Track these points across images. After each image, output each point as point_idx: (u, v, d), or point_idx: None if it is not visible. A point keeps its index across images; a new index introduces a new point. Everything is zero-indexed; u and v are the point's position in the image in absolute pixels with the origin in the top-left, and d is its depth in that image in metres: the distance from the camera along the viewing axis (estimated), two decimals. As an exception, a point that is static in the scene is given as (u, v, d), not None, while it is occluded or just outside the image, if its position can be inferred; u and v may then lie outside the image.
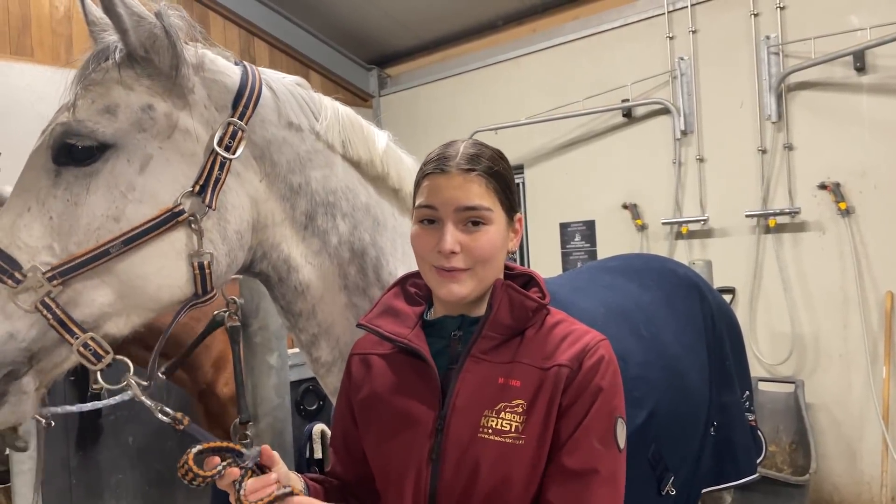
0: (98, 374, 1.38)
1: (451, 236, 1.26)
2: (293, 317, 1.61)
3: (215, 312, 2.12)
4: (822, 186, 4.55)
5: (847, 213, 4.45)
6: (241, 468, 1.21)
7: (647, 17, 5.42)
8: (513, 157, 6.29)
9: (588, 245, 5.81)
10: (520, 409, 1.22)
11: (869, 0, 4.35)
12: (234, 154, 1.43)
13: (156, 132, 1.38)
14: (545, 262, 5.95)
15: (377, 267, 1.60)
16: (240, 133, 1.44)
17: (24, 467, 3.39)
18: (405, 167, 1.69)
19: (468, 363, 1.27)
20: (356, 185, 1.61)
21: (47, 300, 1.29)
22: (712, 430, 2.06)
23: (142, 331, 1.45)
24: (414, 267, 1.42)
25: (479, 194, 1.28)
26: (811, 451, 4.44)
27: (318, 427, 2.39)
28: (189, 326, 2.48)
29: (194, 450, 1.21)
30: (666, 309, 2.06)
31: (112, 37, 1.42)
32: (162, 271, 1.37)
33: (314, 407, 2.72)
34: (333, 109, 1.63)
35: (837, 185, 4.48)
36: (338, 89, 7.27)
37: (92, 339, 1.33)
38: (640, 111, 5.49)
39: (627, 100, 5.47)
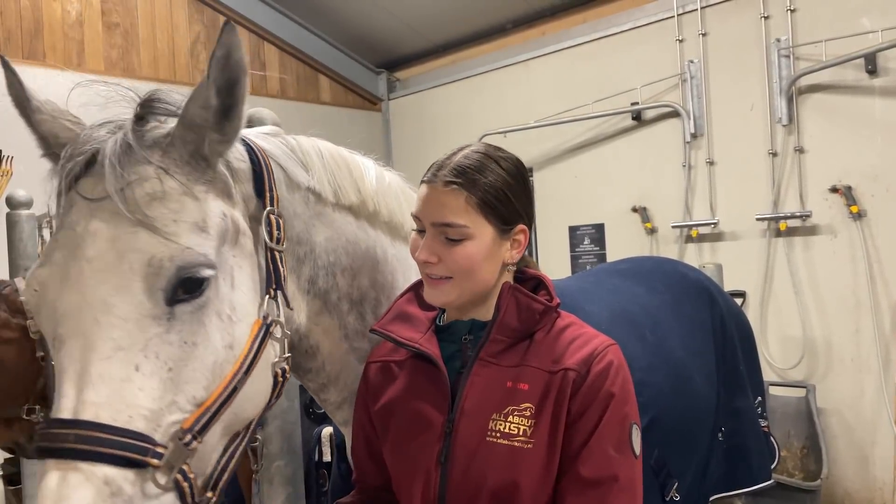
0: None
1: (426, 248, 1.29)
2: (303, 372, 1.56)
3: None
4: (834, 190, 4.52)
5: (859, 216, 4.42)
6: None
7: (656, 20, 5.41)
8: (522, 160, 6.26)
9: (597, 248, 5.80)
10: (528, 413, 1.22)
11: (880, 2, 4.33)
12: (283, 245, 1.32)
13: (230, 240, 1.21)
14: (554, 266, 5.94)
15: (376, 307, 1.56)
16: (281, 221, 1.33)
17: (35, 470, 3.41)
18: (392, 196, 1.62)
19: (476, 367, 1.28)
20: (354, 233, 1.54)
21: (185, 467, 1.07)
22: (720, 435, 2.04)
23: None
24: None
25: (455, 210, 1.27)
26: (823, 455, 4.40)
27: (328, 430, 2.39)
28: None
29: None
30: (673, 313, 2.05)
31: (100, 134, 1.20)
32: (259, 387, 1.23)
33: (323, 410, 2.71)
34: (317, 153, 1.50)
35: (849, 188, 4.45)
36: (347, 93, 7.29)
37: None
38: (649, 114, 5.48)
39: (637, 103, 5.46)
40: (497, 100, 6.44)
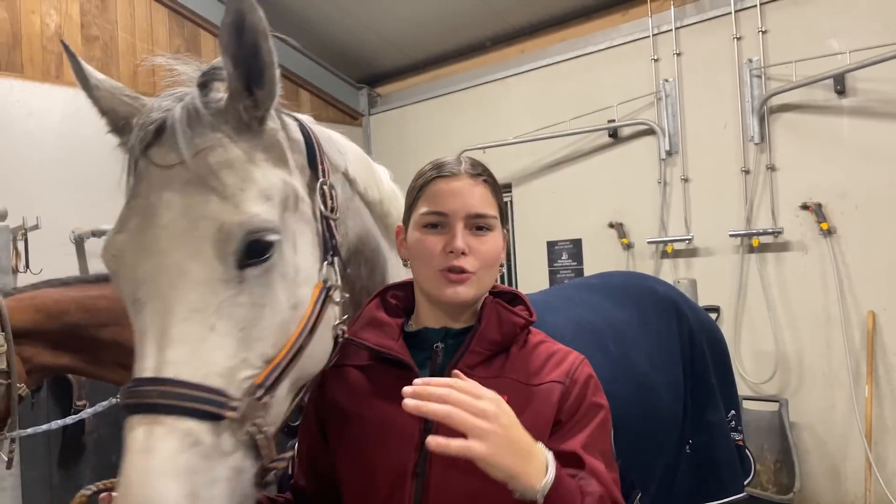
0: None
1: (462, 236, 1.29)
2: None
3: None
4: (805, 207, 4.61)
5: (829, 233, 4.51)
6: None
7: (632, 39, 5.51)
8: (501, 176, 6.27)
9: (575, 263, 5.85)
10: None
11: (849, 25, 4.45)
12: (337, 214, 1.37)
13: (291, 206, 1.26)
14: (532, 281, 5.98)
15: None
16: (333, 192, 1.37)
17: (6, 484, 3.37)
18: (398, 201, 1.67)
19: (453, 375, 1.27)
20: (372, 228, 1.59)
21: (259, 421, 1.12)
22: (688, 448, 2.06)
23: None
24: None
25: (486, 202, 1.33)
26: (795, 469, 4.46)
27: (301, 443, 2.38)
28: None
29: (86, 491, 1.12)
30: (639, 327, 2.07)
31: (167, 102, 1.23)
32: (322, 347, 1.29)
33: (297, 423, 2.71)
34: (353, 149, 1.58)
35: (819, 205, 4.54)
36: (328, 107, 7.32)
37: (292, 456, 1.24)
38: (625, 132, 5.56)
39: (613, 120, 5.54)
40: (476, 116, 6.51)
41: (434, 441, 1.02)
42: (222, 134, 1.21)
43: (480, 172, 1.35)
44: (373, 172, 1.62)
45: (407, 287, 1.43)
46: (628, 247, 5.51)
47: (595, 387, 1.29)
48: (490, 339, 1.30)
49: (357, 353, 1.37)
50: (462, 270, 1.27)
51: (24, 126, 4.87)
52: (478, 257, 1.29)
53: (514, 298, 1.40)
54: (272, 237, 1.17)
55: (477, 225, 1.31)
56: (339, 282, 1.33)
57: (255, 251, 1.16)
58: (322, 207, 1.34)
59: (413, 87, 7.27)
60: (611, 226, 5.59)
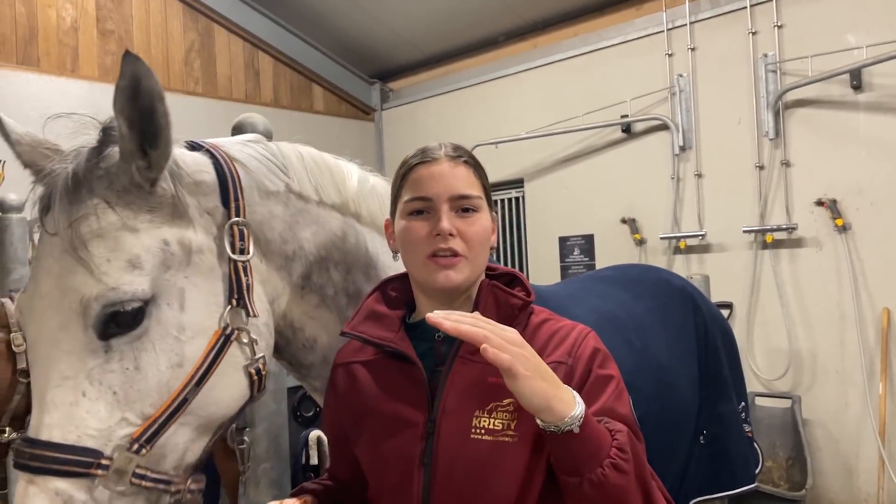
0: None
1: (448, 218, 1.29)
2: (304, 369, 1.62)
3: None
4: (819, 203, 4.58)
5: (844, 229, 4.48)
6: None
7: (646, 34, 5.49)
8: (512, 172, 6.34)
9: (587, 259, 5.84)
10: (511, 408, 1.21)
11: (866, 19, 4.41)
12: (249, 254, 1.38)
13: (178, 264, 1.29)
14: (544, 276, 5.97)
15: None
16: (245, 231, 1.39)
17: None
18: (375, 200, 1.66)
19: (456, 364, 1.27)
20: (342, 229, 1.59)
21: (140, 470, 1.21)
22: (702, 439, 2.06)
23: None
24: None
25: (468, 183, 1.32)
26: (808, 466, 4.44)
27: (315, 433, 2.41)
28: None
29: None
30: (658, 319, 2.07)
31: (60, 166, 1.26)
32: (228, 390, 1.33)
33: (311, 413, 2.73)
34: (297, 157, 1.56)
35: (834, 201, 4.51)
36: (340, 102, 7.33)
37: (192, 481, 1.32)
38: (639, 127, 5.54)
39: (626, 115, 5.52)
40: (488, 111, 6.50)
41: (490, 351, 1.05)
42: (100, 199, 1.24)
43: (461, 154, 1.35)
44: (331, 176, 1.60)
45: (406, 279, 1.43)
46: (640, 242, 5.50)
47: (603, 358, 1.28)
48: None
49: (363, 349, 1.39)
50: (452, 253, 1.28)
51: (40, 119, 4.90)
52: (466, 239, 1.29)
53: (513, 280, 1.39)
54: (134, 306, 1.22)
55: (462, 207, 1.31)
56: (249, 323, 1.35)
57: (119, 321, 1.22)
58: (229, 251, 1.35)
59: (425, 82, 7.27)
60: (623, 221, 5.57)
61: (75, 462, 1.17)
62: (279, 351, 1.57)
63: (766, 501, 4.09)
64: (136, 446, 1.21)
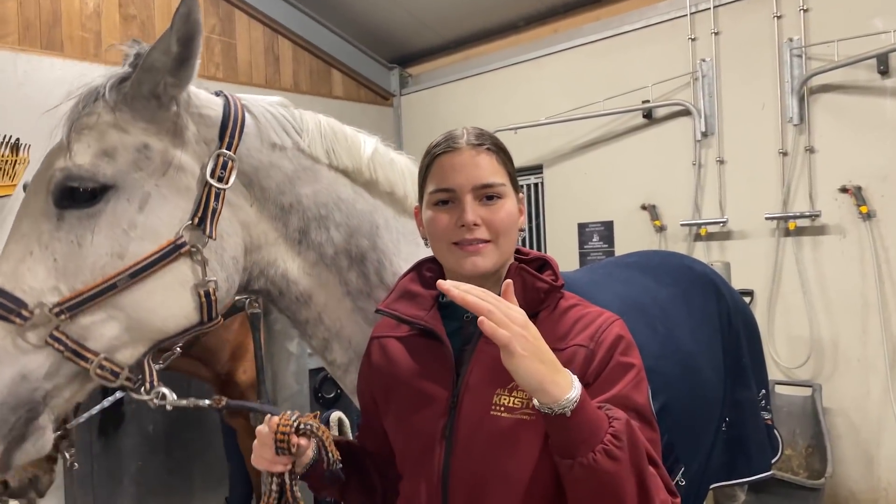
0: (142, 390, 1.46)
1: (472, 209, 1.31)
2: (301, 325, 1.68)
3: (237, 298, 2.17)
4: (844, 190, 4.52)
5: (868, 216, 4.42)
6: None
7: (668, 18, 5.42)
8: (532, 157, 6.31)
9: (606, 245, 5.81)
10: None
11: (893, 3, 4.32)
12: (226, 184, 1.48)
13: (152, 171, 1.43)
14: (563, 262, 5.81)
15: (379, 270, 1.65)
16: (230, 163, 1.49)
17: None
18: (395, 170, 1.73)
19: (481, 343, 1.30)
20: (349, 194, 1.65)
21: (56, 333, 1.35)
22: (724, 425, 2.07)
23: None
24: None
25: (492, 170, 1.34)
26: (827, 455, 4.41)
27: (336, 415, 2.43)
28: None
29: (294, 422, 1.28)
30: (682, 305, 2.08)
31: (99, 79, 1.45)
32: (167, 303, 1.42)
33: (332, 395, 2.76)
34: (315, 122, 1.67)
35: (859, 188, 4.45)
36: (359, 87, 7.33)
37: (105, 359, 1.38)
38: (660, 112, 5.49)
39: (648, 101, 5.47)
40: (508, 97, 6.47)
41: (487, 324, 1.07)
42: (105, 103, 1.42)
43: (483, 141, 1.36)
44: (344, 141, 1.68)
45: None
46: (661, 229, 5.46)
47: (626, 346, 1.29)
48: None
49: (398, 325, 1.44)
50: (478, 241, 1.31)
51: (64, 105, 4.95)
52: (491, 227, 1.32)
53: (544, 265, 1.42)
54: (92, 185, 1.38)
55: (486, 195, 1.33)
56: (209, 247, 1.45)
57: (77, 197, 1.38)
58: (208, 175, 1.46)
59: (445, 67, 7.24)
60: (643, 208, 5.54)
61: (3, 306, 1.32)
62: (273, 301, 1.65)
63: (785, 489, 4.07)
64: (58, 309, 1.34)
